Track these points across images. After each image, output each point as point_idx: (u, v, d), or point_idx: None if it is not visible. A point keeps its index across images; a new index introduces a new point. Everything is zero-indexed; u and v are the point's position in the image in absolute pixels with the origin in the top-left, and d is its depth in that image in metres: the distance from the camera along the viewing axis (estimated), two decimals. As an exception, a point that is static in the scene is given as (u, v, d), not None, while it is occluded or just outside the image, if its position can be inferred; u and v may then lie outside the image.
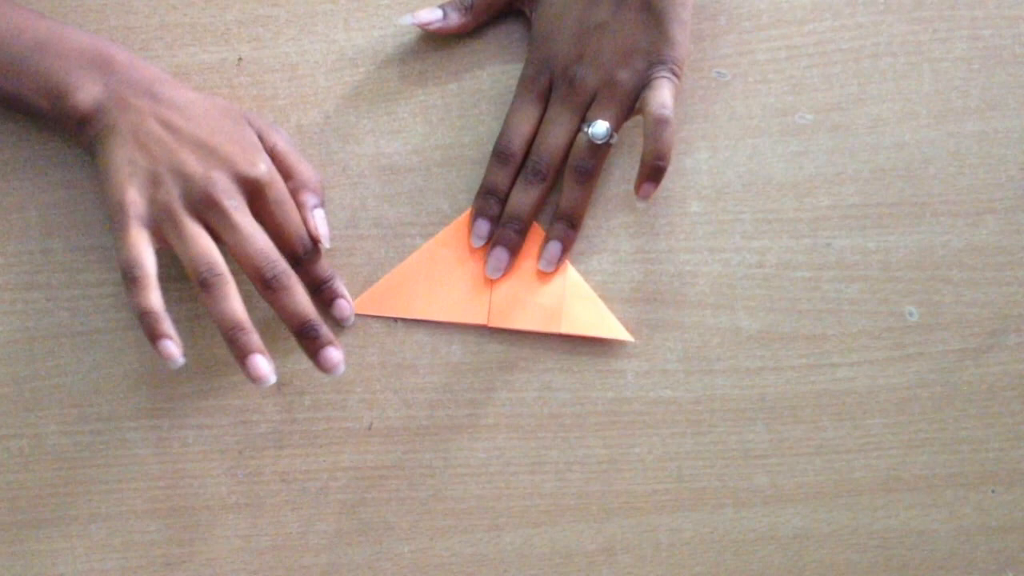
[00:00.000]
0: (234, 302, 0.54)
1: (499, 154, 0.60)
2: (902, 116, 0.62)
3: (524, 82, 0.60)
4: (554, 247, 0.60)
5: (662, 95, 0.57)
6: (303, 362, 0.60)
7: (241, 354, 0.54)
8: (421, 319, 0.60)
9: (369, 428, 0.61)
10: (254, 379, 0.54)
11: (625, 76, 0.58)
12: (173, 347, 0.53)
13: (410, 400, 0.61)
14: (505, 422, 0.61)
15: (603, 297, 0.61)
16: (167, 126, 0.55)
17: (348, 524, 0.61)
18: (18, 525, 0.60)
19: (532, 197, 0.60)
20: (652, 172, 0.56)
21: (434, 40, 0.62)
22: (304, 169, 0.59)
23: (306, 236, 0.58)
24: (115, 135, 0.55)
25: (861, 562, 0.61)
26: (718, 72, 0.62)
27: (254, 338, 0.54)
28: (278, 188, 0.57)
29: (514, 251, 0.60)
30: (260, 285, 0.55)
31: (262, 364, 0.54)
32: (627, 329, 0.61)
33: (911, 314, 0.62)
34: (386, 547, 0.61)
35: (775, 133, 0.62)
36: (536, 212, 0.60)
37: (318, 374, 0.61)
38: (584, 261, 0.62)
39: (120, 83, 0.56)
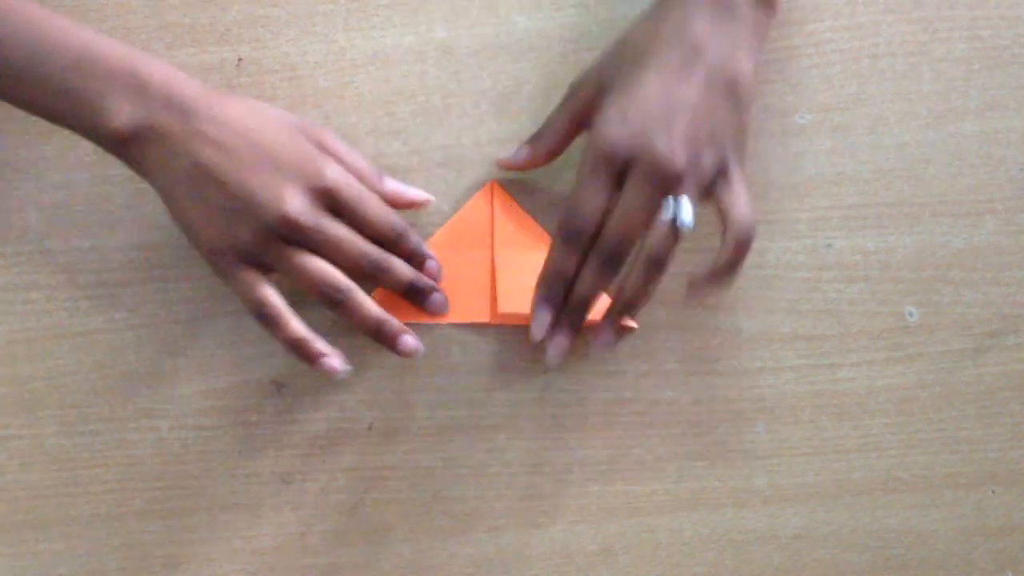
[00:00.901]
0: (368, 305, 0.57)
1: (570, 237, 0.55)
2: (902, 116, 0.62)
3: (600, 157, 0.54)
4: (609, 336, 0.58)
5: (746, 204, 0.54)
6: (302, 363, 0.60)
7: (391, 341, 0.58)
8: (423, 322, 0.60)
9: (369, 428, 0.61)
10: (409, 354, 0.58)
11: (708, 162, 0.54)
12: (334, 361, 0.56)
13: (410, 400, 0.61)
14: (505, 423, 0.61)
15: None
16: (221, 149, 0.54)
17: (348, 524, 0.61)
18: (18, 525, 0.60)
19: (604, 283, 0.56)
20: (721, 280, 0.55)
21: (434, 41, 0.62)
22: (360, 161, 0.58)
23: (393, 220, 0.57)
24: (171, 171, 0.54)
25: (860, 562, 0.61)
26: (718, 72, 0.62)
27: (395, 322, 0.58)
28: (350, 185, 0.56)
29: (576, 334, 0.58)
30: (362, 277, 0.57)
31: (411, 340, 0.58)
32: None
33: (911, 314, 0.62)
34: (386, 547, 0.61)
35: (775, 133, 0.62)
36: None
37: (317, 375, 0.61)
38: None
39: (160, 107, 0.54)
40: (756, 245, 0.61)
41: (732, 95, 0.55)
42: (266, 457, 0.61)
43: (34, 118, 0.60)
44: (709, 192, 0.55)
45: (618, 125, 0.54)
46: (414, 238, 0.59)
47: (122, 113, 0.54)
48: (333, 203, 0.56)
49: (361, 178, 0.58)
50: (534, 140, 0.59)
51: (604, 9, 0.62)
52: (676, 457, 0.61)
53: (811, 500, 0.61)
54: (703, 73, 0.54)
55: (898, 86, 0.62)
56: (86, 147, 0.61)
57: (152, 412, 0.61)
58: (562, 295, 0.57)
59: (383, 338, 0.58)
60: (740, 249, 0.54)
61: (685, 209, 0.53)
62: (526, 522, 0.61)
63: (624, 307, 0.57)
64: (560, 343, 0.58)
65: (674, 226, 0.54)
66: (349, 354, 0.61)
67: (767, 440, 0.61)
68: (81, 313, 0.61)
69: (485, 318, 0.61)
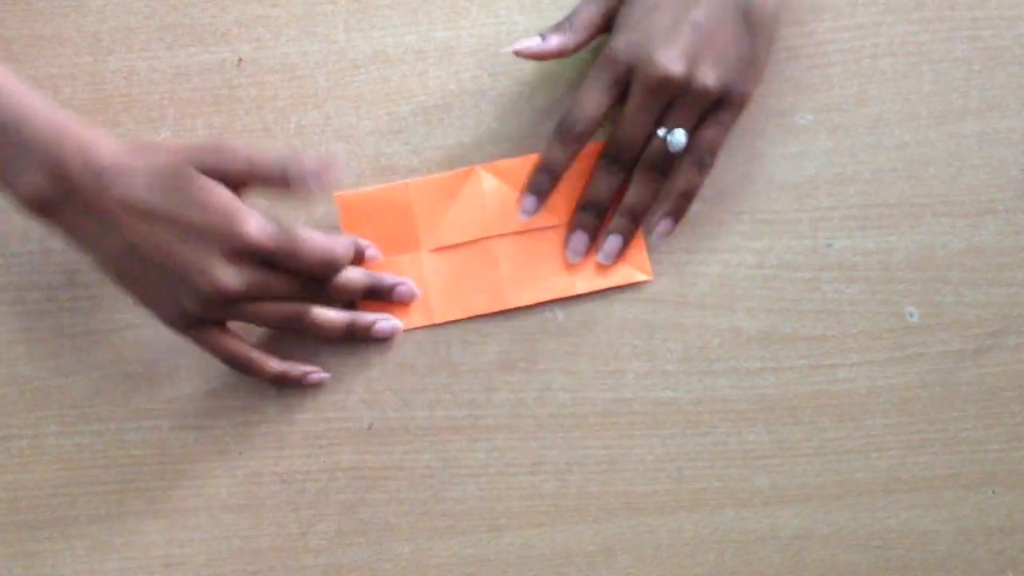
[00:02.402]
0: (330, 317, 0.58)
1: (565, 134, 0.59)
2: (902, 117, 0.62)
3: (604, 64, 0.57)
4: (615, 241, 0.61)
5: (717, 136, 0.58)
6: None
7: (366, 334, 0.60)
8: (445, 321, 0.61)
9: (369, 428, 0.61)
10: (389, 335, 0.60)
11: (709, 80, 0.56)
12: (319, 375, 0.60)
13: (410, 400, 0.61)
14: (505, 423, 0.61)
15: (602, 298, 0.61)
16: (147, 223, 0.53)
17: (348, 524, 0.61)
18: (18, 525, 0.60)
19: (613, 185, 0.60)
20: (677, 209, 0.60)
21: (434, 41, 0.62)
22: (267, 161, 0.55)
23: (333, 253, 0.56)
24: (104, 248, 0.54)
25: (861, 563, 0.61)
26: (718, 72, 0.62)
27: (363, 316, 0.59)
28: (273, 239, 0.54)
29: (593, 235, 0.61)
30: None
31: (386, 324, 0.60)
32: (631, 330, 0.61)
33: (911, 315, 0.62)
34: (386, 547, 0.61)
35: (775, 134, 0.62)
36: (613, 198, 0.61)
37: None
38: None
39: (75, 178, 0.53)
40: (756, 245, 0.61)
41: (745, 20, 0.57)
42: (266, 457, 0.61)
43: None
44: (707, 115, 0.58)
45: (623, 37, 0.57)
46: (363, 252, 0.60)
47: (34, 184, 0.53)
48: (261, 254, 0.54)
49: (271, 178, 0.55)
50: (565, 29, 0.59)
51: (604, 9, 0.62)
52: (676, 457, 0.61)
53: (812, 500, 0.61)
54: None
55: (898, 86, 0.62)
56: (86, 147, 0.61)
57: (152, 412, 0.61)
58: (549, 186, 0.61)
59: (358, 336, 0.59)
60: (695, 165, 0.58)
61: (676, 134, 0.57)
62: (526, 522, 0.61)
63: (630, 214, 0.60)
64: (579, 239, 0.61)
65: (666, 142, 0.58)
66: (348, 354, 0.61)
67: (767, 440, 0.61)
68: (81, 314, 0.61)
69: (501, 306, 0.61)
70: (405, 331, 0.61)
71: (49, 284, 0.61)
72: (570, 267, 0.61)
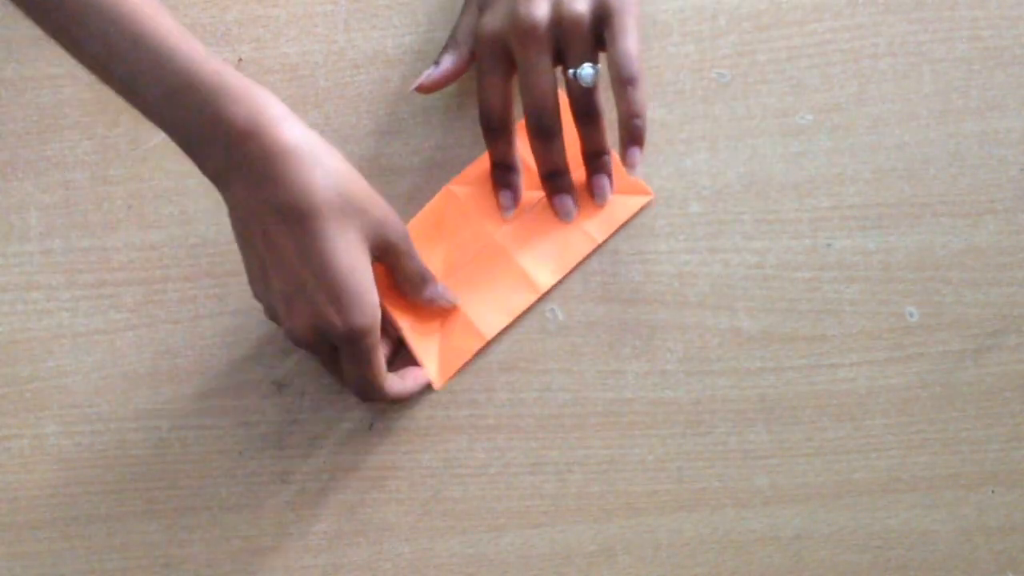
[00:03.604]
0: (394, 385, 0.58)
1: (486, 132, 0.60)
2: (902, 116, 0.62)
3: (480, 48, 0.58)
4: (601, 180, 0.61)
5: (623, 45, 0.56)
6: (302, 363, 0.60)
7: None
8: (483, 347, 0.61)
9: (369, 428, 0.61)
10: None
11: (580, 9, 0.56)
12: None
13: (410, 400, 0.61)
14: (505, 423, 0.61)
15: (602, 298, 0.61)
16: (271, 245, 0.52)
17: (348, 524, 0.61)
18: (18, 525, 0.60)
19: (557, 148, 0.59)
20: (632, 134, 0.57)
21: (434, 41, 0.62)
22: (412, 268, 0.58)
23: (378, 391, 0.57)
24: (241, 217, 0.53)
25: (861, 562, 0.61)
26: (718, 73, 0.62)
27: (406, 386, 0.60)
28: (360, 346, 0.54)
29: (570, 192, 0.61)
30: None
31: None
32: (631, 330, 0.61)
33: (911, 314, 0.62)
34: (386, 547, 0.61)
35: (775, 133, 0.62)
36: (565, 155, 0.60)
37: (318, 375, 0.61)
38: (583, 261, 0.62)
39: (239, 160, 0.51)
40: (756, 245, 0.61)
41: None
42: (266, 457, 0.61)
43: (35, 118, 0.60)
44: (601, 41, 0.57)
45: (485, 17, 0.57)
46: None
47: (208, 159, 0.52)
48: (338, 345, 0.55)
49: (403, 282, 0.58)
50: (452, 47, 0.59)
51: (604, 9, 0.62)
52: (676, 457, 0.61)
53: (812, 500, 0.61)
54: None
55: (898, 86, 0.62)
56: (86, 147, 0.61)
57: (152, 412, 0.61)
58: (514, 176, 0.61)
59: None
60: (625, 84, 0.56)
61: (583, 68, 0.56)
62: (526, 522, 0.61)
63: (597, 153, 0.60)
64: (562, 200, 0.61)
65: (577, 81, 0.57)
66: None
67: (767, 440, 0.61)
68: (81, 314, 0.61)
69: (536, 294, 0.61)
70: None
71: (49, 284, 0.61)
72: (577, 225, 0.61)
